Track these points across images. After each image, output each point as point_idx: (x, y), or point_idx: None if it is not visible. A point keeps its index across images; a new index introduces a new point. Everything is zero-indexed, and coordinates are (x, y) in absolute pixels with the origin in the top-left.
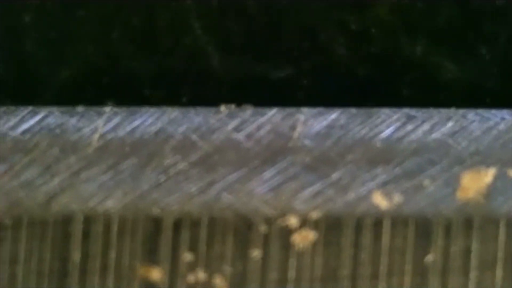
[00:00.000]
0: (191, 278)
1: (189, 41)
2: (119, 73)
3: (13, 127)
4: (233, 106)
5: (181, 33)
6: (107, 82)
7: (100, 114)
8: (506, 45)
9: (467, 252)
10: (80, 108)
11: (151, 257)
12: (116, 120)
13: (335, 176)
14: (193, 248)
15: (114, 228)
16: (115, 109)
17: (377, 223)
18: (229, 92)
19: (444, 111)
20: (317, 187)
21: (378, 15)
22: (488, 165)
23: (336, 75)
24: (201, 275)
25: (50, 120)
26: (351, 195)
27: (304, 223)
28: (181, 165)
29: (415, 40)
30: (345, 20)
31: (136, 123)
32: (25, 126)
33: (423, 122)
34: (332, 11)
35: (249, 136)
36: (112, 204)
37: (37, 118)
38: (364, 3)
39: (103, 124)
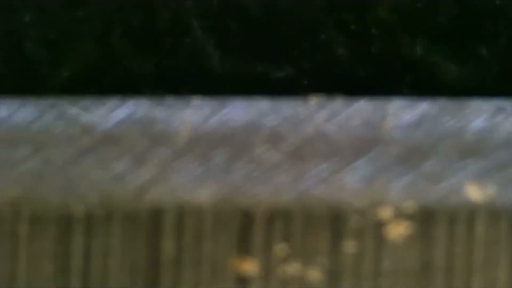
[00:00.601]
0: (285, 270)
1: (189, 41)
2: (118, 73)
3: (103, 119)
4: (321, 97)
5: (181, 33)
6: (106, 82)
7: (188, 105)
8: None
9: None
10: (168, 99)
11: (245, 249)
12: (205, 111)
13: (426, 167)
14: (286, 240)
15: (207, 220)
16: (203, 100)
17: (470, 215)
18: (229, 92)
19: None
20: (409, 178)
21: (378, 16)
22: None
23: (336, 75)
24: (295, 267)
25: (139, 111)
26: (443, 187)
27: (397, 215)
28: (273, 157)
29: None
30: (345, 20)
31: (226, 114)
32: (114, 117)
33: None
34: (333, 11)
35: (339, 127)
36: (204, 196)
37: (126, 109)
38: (364, 3)
39: (193, 115)
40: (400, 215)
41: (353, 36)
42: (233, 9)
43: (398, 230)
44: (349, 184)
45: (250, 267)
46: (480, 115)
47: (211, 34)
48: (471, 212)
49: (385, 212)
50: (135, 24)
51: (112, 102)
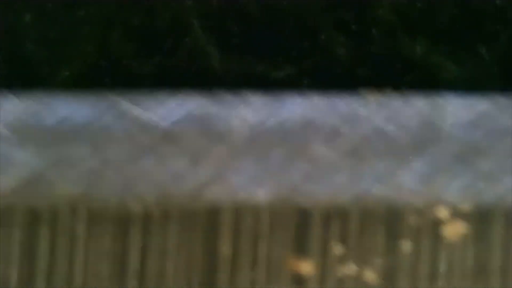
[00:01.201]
0: (341, 270)
1: (189, 41)
2: (119, 73)
3: (162, 118)
4: (377, 93)
5: (181, 33)
6: (107, 82)
7: (246, 103)
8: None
9: None
10: (225, 97)
11: (301, 249)
12: (263, 110)
13: (484, 166)
14: (343, 240)
15: (264, 220)
16: (260, 99)
17: None
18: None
19: None
20: (466, 178)
21: (378, 15)
22: None
23: (336, 75)
24: (351, 267)
25: (198, 110)
26: (501, 187)
27: (454, 214)
28: (330, 156)
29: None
30: (345, 20)
31: (284, 113)
32: (173, 117)
33: None
34: (333, 11)
35: (397, 126)
36: (261, 195)
37: (185, 108)
38: (364, 3)
39: (251, 113)
40: (457, 215)
41: (353, 36)
42: (233, 10)
43: (454, 230)
44: (406, 183)
45: (306, 267)
46: None
47: (211, 34)
48: None
49: (442, 212)
50: (135, 24)
51: (171, 101)
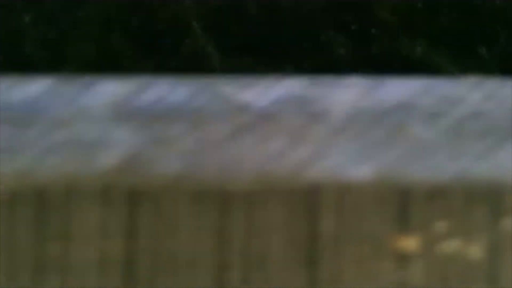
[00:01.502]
0: (444, 247)
1: (189, 41)
2: (119, 73)
3: (259, 98)
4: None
5: (181, 34)
6: None
7: (344, 84)
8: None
9: None
10: (323, 78)
11: (404, 227)
12: (361, 90)
13: None
14: (446, 217)
15: (366, 198)
16: (359, 79)
17: None
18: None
19: None
20: None
21: (378, 16)
22: None
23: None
24: (455, 244)
25: (296, 89)
26: None
27: None
28: (430, 135)
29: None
30: (345, 21)
31: (381, 92)
32: (270, 96)
33: None
34: (332, 12)
35: (496, 106)
36: (362, 174)
37: (282, 87)
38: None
39: (349, 93)
40: None
41: (354, 37)
42: (233, 10)
43: None
44: (507, 161)
45: (410, 244)
46: None
47: (211, 34)
48: None
49: None
50: (135, 25)
51: (267, 80)
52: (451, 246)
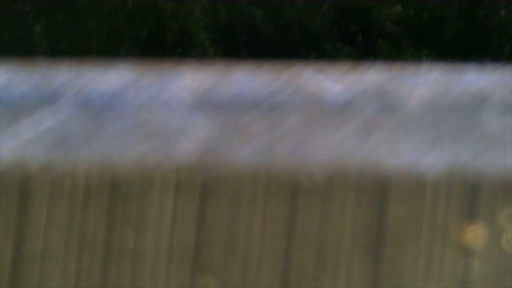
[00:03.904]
0: (508, 238)
1: (197, 52)
2: None
3: (335, 83)
4: None
5: (189, 44)
6: None
7: (418, 73)
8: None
9: None
10: (398, 68)
11: (471, 219)
12: (433, 80)
13: None
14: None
15: (435, 190)
16: (432, 69)
17: None
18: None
19: None
20: None
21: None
22: None
23: None
24: None
25: (370, 79)
26: None
27: None
28: (500, 127)
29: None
30: (351, 32)
31: (456, 83)
32: (345, 86)
33: None
34: (338, 23)
35: None
36: (433, 165)
37: (358, 77)
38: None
39: (421, 84)
40: None
41: (359, 47)
42: (241, 21)
43: None
44: None
45: (475, 235)
46: None
47: (218, 45)
48: None
49: None
50: (144, 35)
51: (342, 70)
52: None
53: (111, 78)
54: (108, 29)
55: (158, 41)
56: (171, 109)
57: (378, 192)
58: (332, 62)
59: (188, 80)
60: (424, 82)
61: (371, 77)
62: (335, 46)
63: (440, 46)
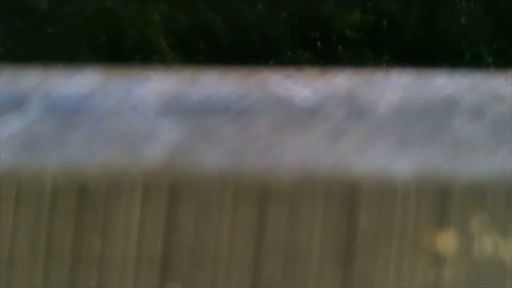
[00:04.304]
0: (481, 244)
1: (157, 58)
2: None
3: (303, 88)
4: None
5: (148, 50)
6: None
7: (387, 78)
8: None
9: None
10: (368, 72)
11: (442, 224)
12: (404, 85)
13: None
14: (482, 214)
15: (405, 195)
16: (401, 74)
17: None
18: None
19: None
20: None
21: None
22: None
23: None
24: (491, 242)
25: (341, 85)
26: None
27: None
28: (470, 132)
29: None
30: (312, 38)
31: (422, 87)
32: (314, 90)
33: None
34: (298, 27)
35: None
36: (402, 170)
37: (327, 81)
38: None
39: (390, 89)
40: None
41: (319, 54)
42: (200, 27)
43: None
44: None
45: (446, 241)
46: None
47: (177, 51)
48: None
49: None
50: (103, 42)
51: (311, 74)
52: (488, 244)
53: (78, 83)
54: (67, 34)
55: (117, 47)
56: (139, 113)
57: (348, 198)
58: (296, 68)
59: (155, 85)
60: (394, 87)
61: (339, 82)
62: (295, 53)
63: (400, 53)
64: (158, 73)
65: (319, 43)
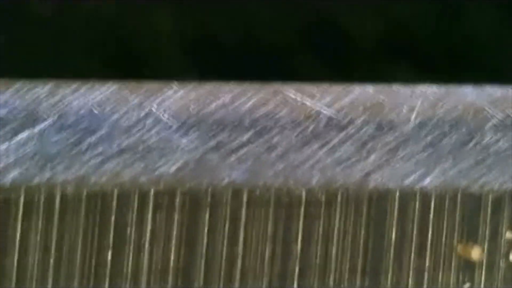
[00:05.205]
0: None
1: (167, 72)
2: None
3: (328, 104)
4: None
5: (157, 63)
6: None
7: (414, 92)
8: None
9: None
10: (395, 87)
11: (471, 235)
12: (432, 98)
13: None
14: None
15: (432, 206)
16: (431, 88)
17: None
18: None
19: None
20: None
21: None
22: None
23: None
24: None
25: (363, 96)
26: None
27: None
28: (502, 144)
29: None
30: (321, 45)
31: (451, 101)
32: (340, 103)
33: None
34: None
35: None
36: (430, 181)
37: (352, 95)
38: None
39: (420, 102)
40: None
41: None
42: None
43: None
44: None
45: (476, 253)
46: None
47: (187, 61)
48: None
49: None
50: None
51: (337, 88)
52: None
53: (90, 95)
54: (75, 47)
55: (129, 60)
56: (156, 125)
57: (379, 213)
58: (315, 80)
59: (171, 100)
60: (420, 99)
61: (364, 95)
62: (307, 63)
63: (418, 63)
64: (173, 88)
65: (332, 53)
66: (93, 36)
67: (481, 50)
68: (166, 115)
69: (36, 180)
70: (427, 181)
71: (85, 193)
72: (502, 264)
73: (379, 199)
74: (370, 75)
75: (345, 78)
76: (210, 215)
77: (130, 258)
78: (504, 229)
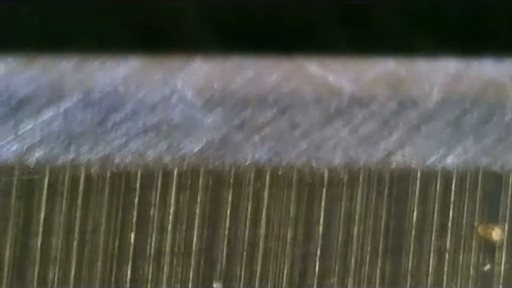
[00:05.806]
0: None
1: (194, 46)
2: None
3: (351, 80)
4: None
5: (184, 37)
6: None
7: (436, 67)
8: None
9: None
10: (418, 61)
11: (492, 216)
12: (453, 72)
13: None
14: None
15: (453, 186)
16: (452, 62)
17: None
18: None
19: None
20: None
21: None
22: None
23: None
24: None
25: (385, 71)
26: None
27: None
28: None
29: None
30: (349, 18)
31: (472, 76)
32: (363, 78)
33: None
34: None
35: None
36: (451, 160)
37: (373, 70)
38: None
39: (443, 78)
40: None
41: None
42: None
43: None
44: None
45: (496, 234)
46: None
47: (210, 26)
48: None
49: None
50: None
51: (360, 63)
52: None
53: (115, 71)
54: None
55: (154, 34)
56: (180, 102)
57: (402, 190)
58: (339, 54)
59: (194, 75)
60: (442, 74)
61: (387, 70)
62: (335, 38)
63: (444, 37)
64: (197, 63)
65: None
66: (117, 9)
67: (502, 22)
68: (190, 93)
69: (61, 160)
70: (449, 160)
71: (109, 174)
72: None
73: (401, 179)
74: (391, 45)
75: (366, 50)
76: (233, 196)
77: (153, 239)
78: None
